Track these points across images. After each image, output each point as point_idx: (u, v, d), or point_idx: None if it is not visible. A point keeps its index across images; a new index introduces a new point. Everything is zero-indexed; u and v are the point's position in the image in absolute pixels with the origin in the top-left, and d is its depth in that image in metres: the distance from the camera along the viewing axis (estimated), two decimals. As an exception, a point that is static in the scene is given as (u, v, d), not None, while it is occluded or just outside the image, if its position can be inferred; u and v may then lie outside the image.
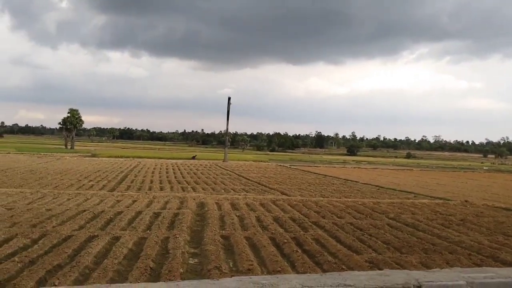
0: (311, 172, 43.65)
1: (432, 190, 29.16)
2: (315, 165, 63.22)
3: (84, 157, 59.07)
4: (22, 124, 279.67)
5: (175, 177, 31.21)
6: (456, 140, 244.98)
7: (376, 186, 30.83)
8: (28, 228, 12.03)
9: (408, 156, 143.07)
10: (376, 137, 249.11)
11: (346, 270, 9.14)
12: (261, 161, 66.77)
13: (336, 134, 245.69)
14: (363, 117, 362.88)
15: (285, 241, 11.66)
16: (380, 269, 8.89)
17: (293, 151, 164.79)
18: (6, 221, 12.83)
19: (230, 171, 40.69)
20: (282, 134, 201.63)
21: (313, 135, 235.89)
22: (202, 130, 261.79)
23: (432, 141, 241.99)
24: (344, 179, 35.66)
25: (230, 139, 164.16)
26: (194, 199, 19.49)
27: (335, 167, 59.72)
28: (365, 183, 32.66)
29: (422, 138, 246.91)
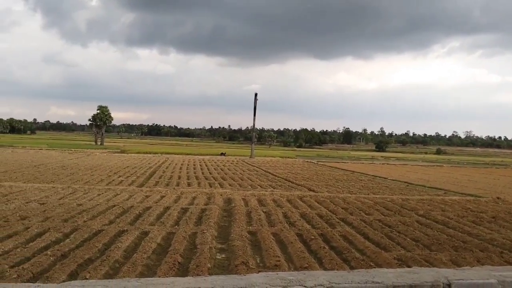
0: (339, 168, 43.32)
1: (463, 187, 28.54)
2: (343, 161, 62.71)
3: (114, 153, 60.16)
4: (53, 120, 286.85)
5: (202, 173, 31.49)
6: (488, 136, 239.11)
7: (405, 182, 30.39)
8: (60, 222, 12.36)
9: (438, 152, 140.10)
10: (405, 133, 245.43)
11: (374, 267, 9.07)
12: (288, 157, 66.64)
13: (364, 130, 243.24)
14: (392, 113, 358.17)
15: (312, 237, 11.63)
16: (409, 266, 8.79)
17: (321, 147, 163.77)
18: (39, 216, 13.22)
19: (256, 167, 40.78)
20: (309, 130, 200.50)
21: (340, 131, 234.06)
22: (229, 126, 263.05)
23: (463, 136, 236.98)
24: (372, 176, 35.26)
25: (257, 135, 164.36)
26: (221, 195, 19.65)
27: (363, 163, 59.10)
28: (393, 180, 32.22)
29: (452, 134, 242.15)
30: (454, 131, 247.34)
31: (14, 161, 36.57)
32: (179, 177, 27.99)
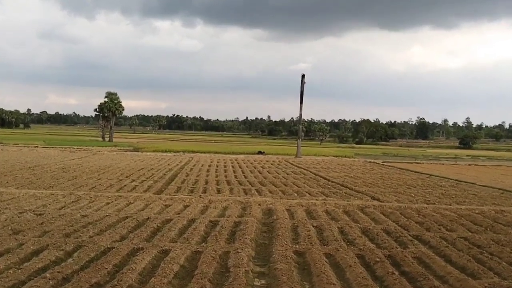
0: (411, 171, 42.68)
1: None
2: (417, 161, 61.72)
3: (125, 151, 61.32)
4: (51, 111, 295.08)
5: (235, 177, 31.70)
6: None
7: (500, 189, 29.63)
8: (61, 238, 12.73)
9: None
10: (499, 125, 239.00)
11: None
12: (345, 157, 66.14)
13: (445, 121, 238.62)
14: (483, 99, 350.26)
15: (377, 259, 11.54)
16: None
17: (387, 143, 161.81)
18: (36, 229, 13.65)
19: (304, 169, 40.72)
20: (372, 121, 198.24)
21: (413, 122, 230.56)
22: (269, 117, 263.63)
23: None
24: (456, 180, 34.56)
25: (305, 128, 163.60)
26: (259, 204, 19.75)
27: (443, 164, 58.00)
28: (484, 186, 31.48)
29: None
30: None
31: (4, 161, 37.75)
32: (206, 182, 28.28)
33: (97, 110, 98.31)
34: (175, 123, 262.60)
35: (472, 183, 32.77)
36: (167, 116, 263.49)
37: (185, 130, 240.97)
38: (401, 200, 23.02)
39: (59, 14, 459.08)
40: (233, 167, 40.10)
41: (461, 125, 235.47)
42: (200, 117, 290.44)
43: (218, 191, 24.31)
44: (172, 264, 10.49)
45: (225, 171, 36.11)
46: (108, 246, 12.06)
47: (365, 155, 75.78)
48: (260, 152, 65.88)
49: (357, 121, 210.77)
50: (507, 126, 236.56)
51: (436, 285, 9.69)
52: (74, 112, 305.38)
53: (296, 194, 23.98)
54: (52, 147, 63.64)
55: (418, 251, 12.63)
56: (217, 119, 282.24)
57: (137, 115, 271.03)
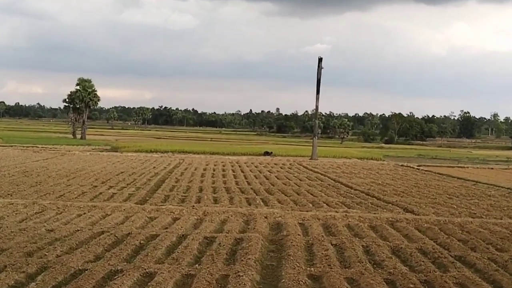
0: (453, 177, 42.57)
1: None
2: (460, 165, 61.59)
3: (101, 151, 61.41)
4: (11, 102, 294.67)
5: (237, 183, 31.73)
6: None
7: None
8: (22, 257, 12.70)
9: None
10: None
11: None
12: (371, 159, 66.03)
13: (495, 116, 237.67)
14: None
15: (411, 286, 11.52)
16: None
17: (424, 142, 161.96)
18: (-9, 247, 13.65)
19: (321, 174, 40.72)
20: (406, 115, 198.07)
21: (456, 117, 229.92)
22: (278, 110, 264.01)
23: None
24: (508, 189, 34.42)
25: (322, 124, 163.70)
26: (265, 217, 19.74)
27: (492, 168, 57.83)
28: (543, 195, 31.35)
29: None
30: None
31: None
32: (201, 189, 28.31)
33: (67, 100, 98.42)
34: (163, 117, 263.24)
35: (529, 192, 32.66)
36: (153, 108, 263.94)
37: (175, 126, 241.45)
38: (441, 212, 22.97)
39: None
40: (233, 171, 40.15)
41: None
42: (193, 109, 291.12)
43: (215, 201, 24.30)
44: (158, 291, 10.48)
45: (224, 176, 36.14)
46: (80, 267, 12.04)
47: (396, 157, 75.72)
48: (266, 153, 65.86)
49: (387, 116, 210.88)
50: None
51: (483, 318, 9.66)
52: (38, 103, 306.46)
53: (311, 205, 23.97)
54: (11, 146, 63.67)
55: (461, 275, 12.57)
56: (214, 113, 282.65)
57: (116, 107, 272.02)
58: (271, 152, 66.84)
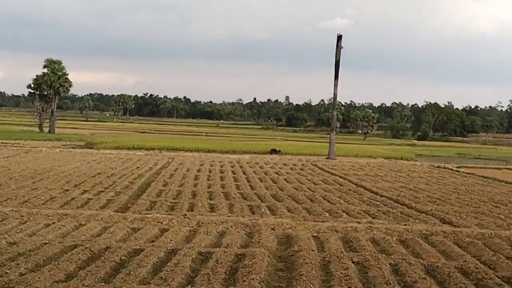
0: (500, 181, 42.50)
1: None
2: (509, 166, 61.45)
3: (74, 148, 61.44)
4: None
5: (237, 187, 31.83)
6: None
7: None
8: (-21, 275, 12.83)
9: None
10: None
11: None
12: (401, 159, 65.97)
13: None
14: None
15: (448, 312, 11.57)
16: None
17: (464, 139, 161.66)
18: None
19: (340, 176, 40.75)
20: (443, 106, 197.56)
21: (505, 108, 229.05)
22: (287, 99, 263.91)
23: None
24: None
25: (341, 116, 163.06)
26: (272, 228, 19.83)
27: (549, 171, 57.65)
28: None
29: None
30: None
31: None
32: (194, 195, 28.41)
33: (32, 86, 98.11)
34: (148, 107, 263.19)
35: None
36: (136, 96, 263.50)
37: (163, 117, 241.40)
38: (485, 224, 22.91)
39: None
40: (233, 172, 40.26)
41: None
42: (185, 98, 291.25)
43: (212, 209, 24.39)
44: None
45: (222, 178, 36.22)
46: (49, 288, 12.17)
47: (431, 156, 75.61)
48: (274, 151, 65.88)
49: (420, 106, 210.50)
50: None
51: None
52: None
53: (327, 214, 23.99)
54: (-36, 141, 63.79)
55: (509, 301, 12.66)
56: (210, 102, 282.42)
57: (91, 95, 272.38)
58: (279, 150, 66.81)
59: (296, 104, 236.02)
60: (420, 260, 16.17)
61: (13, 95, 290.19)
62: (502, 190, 36.19)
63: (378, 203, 28.23)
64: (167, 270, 13.76)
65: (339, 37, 61.54)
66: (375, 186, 35.20)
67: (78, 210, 22.30)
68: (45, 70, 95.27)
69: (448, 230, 20.90)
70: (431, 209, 26.33)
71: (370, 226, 20.96)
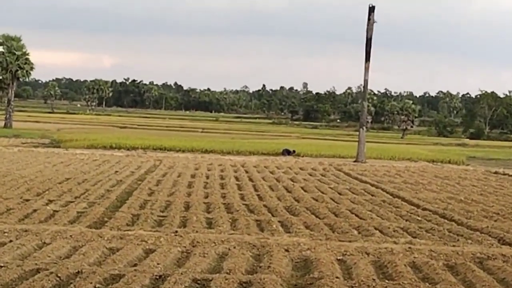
0: None
1: None
2: None
3: (36, 146, 61.54)
4: None
5: (242, 198, 31.83)
6: None
7: None
8: None
9: None
10: None
11: None
12: (449, 162, 66.00)
13: None
14: None
15: None
16: None
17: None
18: None
19: (371, 184, 40.78)
20: (502, 96, 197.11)
21: None
22: (305, 85, 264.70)
23: None
24: None
25: (373, 109, 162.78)
26: (286, 249, 19.74)
27: None
28: None
29: None
30: None
31: None
32: (188, 206, 28.40)
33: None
34: (130, 96, 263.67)
35: None
36: (115, 82, 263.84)
37: (148, 109, 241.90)
38: (556, 246, 22.87)
39: None
40: (237, 179, 40.32)
41: None
42: (175, 84, 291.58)
43: (210, 224, 24.35)
44: None
45: (223, 186, 36.28)
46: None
47: (486, 159, 75.64)
48: (287, 152, 65.93)
49: (473, 96, 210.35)
50: None
51: None
52: None
53: (355, 232, 23.92)
54: None
55: None
56: (208, 89, 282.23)
57: (58, 80, 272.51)
58: (294, 151, 66.87)
59: (316, 93, 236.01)
60: (473, 290, 16.09)
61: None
62: None
63: (419, 218, 28.14)
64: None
65: (371, 9, 61.45)
66: (416, 197, 35.16)
67: (41, 225, 22.22)
68: (1, 49, 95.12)
69: (509, 253, 20.78)
70: (487, 226, 26.22)
71: (409, 248, 20.83)
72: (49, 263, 16.78)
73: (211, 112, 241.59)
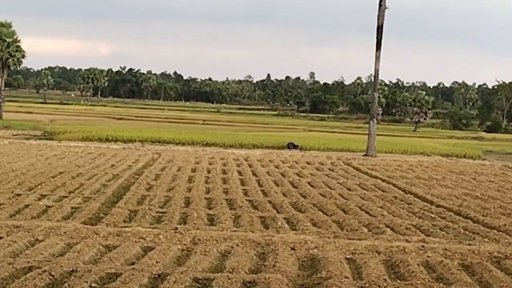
0: None
1: None
2: None
3: (28, 139, 61.64)
4: None
5: (245, 193, 31.86)
6: None
7: None
8: None
9: None
10: None
11: None
12: (464, 157, 65.95)
13: None
14: None
15: None
16: None
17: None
18: None
19: (382, 180, 40.81)
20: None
21: None
22: (312, 76, 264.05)
23: None
24: None
25: (384, 100, 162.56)
26: (292, 248, 19.74)
27: None
28: None
29: None
30: None
31: None
32: (188, 202, 28.44)
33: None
34: (127, 85, 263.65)
35: None
36: (111, 71, 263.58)
37: (146, 99, 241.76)
38: None
39: None
40: (240, 173, 40.36)
41: None
42: (175, 73, 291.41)
43: (211, 221, 24.37)
44: None
45: (225, 181, 36.32)
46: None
47: (504, 154, 75.60)
48: (293, 146, 65.90)
49: (490, 87, 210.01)
50: None
51: None
52: None
53: (365, 230, 23.97)
54: None
55: None
56: (210, 79, 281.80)
57: (51, 68, 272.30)
58: (299, 145, 66.81)
59: (324, 83, 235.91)
60: (491, 294, 16.05)
61: None
62: None
63: (433, 215, 28.14)
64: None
65: (382, -6, 61.37)
66: (430, 193, 35.16)
67: (33, 222, 22.22)
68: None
69: (528, 252, 20.73)
70: (505, 224, 26.22)
71: (422, 246, 20.81)
72: (42, 261, 16.75)
73: (212, 103, 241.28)
